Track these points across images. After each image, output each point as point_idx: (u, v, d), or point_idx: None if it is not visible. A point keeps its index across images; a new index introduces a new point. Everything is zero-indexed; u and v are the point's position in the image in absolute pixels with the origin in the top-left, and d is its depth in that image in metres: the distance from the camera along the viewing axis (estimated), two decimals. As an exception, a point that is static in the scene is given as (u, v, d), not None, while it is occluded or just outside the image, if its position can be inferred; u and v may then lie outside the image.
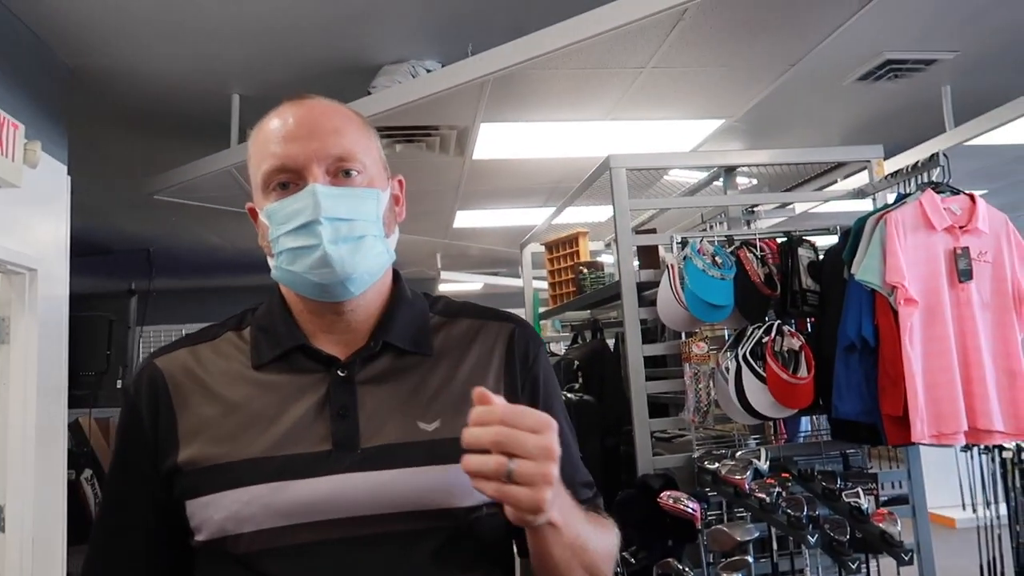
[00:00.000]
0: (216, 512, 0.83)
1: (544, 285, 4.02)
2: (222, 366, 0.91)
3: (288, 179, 0.87)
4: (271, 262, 0.91)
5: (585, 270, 3.34)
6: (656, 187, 3.91)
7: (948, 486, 3.53)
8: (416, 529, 0.84)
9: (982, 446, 3.03)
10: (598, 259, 3.60)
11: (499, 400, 0.72)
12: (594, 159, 3.90)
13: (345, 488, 0.83)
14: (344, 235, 0.85)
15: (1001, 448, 3.22)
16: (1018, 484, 3.25)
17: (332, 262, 0.84)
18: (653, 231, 2.82)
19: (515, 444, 0.69)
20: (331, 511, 0.83)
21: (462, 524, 0.85)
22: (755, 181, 4.18)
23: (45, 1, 2.90)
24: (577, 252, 3.58)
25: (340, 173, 0.87)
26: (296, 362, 0.90)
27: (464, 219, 5.66)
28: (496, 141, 3.75)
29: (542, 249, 3.95)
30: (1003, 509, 3.18)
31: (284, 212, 0.86)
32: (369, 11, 3.19)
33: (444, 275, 8.50)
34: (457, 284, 9.12)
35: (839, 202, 3.33)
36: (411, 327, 0.94)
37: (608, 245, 3.85)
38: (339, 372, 0.89)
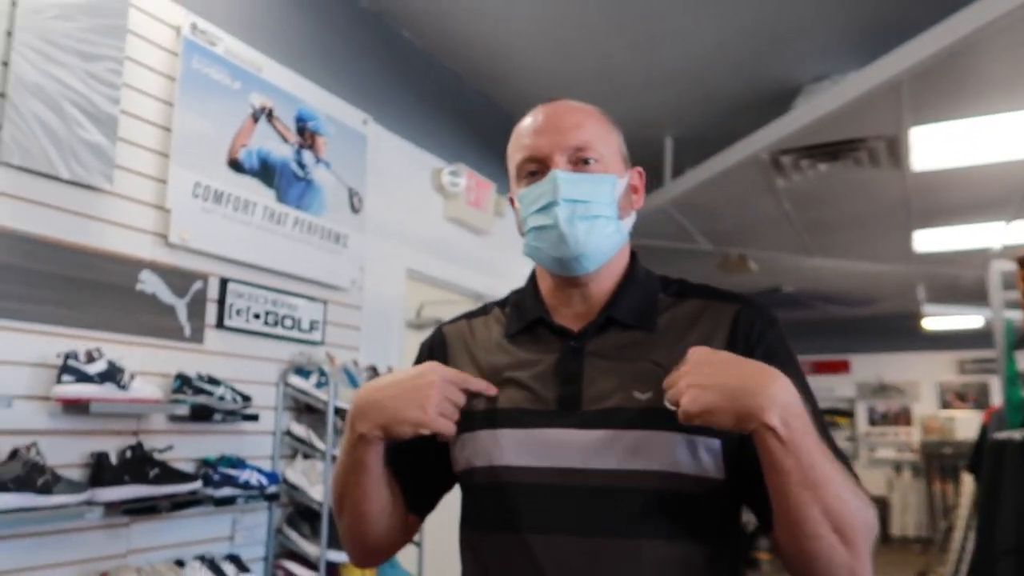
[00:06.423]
0: (464, 449, 1.03)
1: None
2: (484, 335, 1.11)
3: (536, 168, 1.02)
4: (524, 241, 1.09)
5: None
6: None
7: None
8: (620, 486, 0.93)
9: None
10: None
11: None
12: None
13: (563, 441, 0.96)
14: (580, 215, 0.98)
15: None
16: None
17: (567, 239, 0.98)
18: None
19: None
20: (550, 459, 0.96)
21: (664, 488, 0.92)
22: None
23: (492, 67, 3.57)
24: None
25: (579, 161, 1.02)
26: (538, 333, 1.06)
27: (926, 241, 5.06)
28: (934, 146, 3.39)
29: (1011, 268, 3.38)
30: None
31: (531, 196, 1.02)
32: (790, 30, 3.23)
33: (928, 308, 7.52)
34: (944, 319, 8.00)
35: None
36: (638, 305, 1.04)
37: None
38: (571, 343, 1.03)
